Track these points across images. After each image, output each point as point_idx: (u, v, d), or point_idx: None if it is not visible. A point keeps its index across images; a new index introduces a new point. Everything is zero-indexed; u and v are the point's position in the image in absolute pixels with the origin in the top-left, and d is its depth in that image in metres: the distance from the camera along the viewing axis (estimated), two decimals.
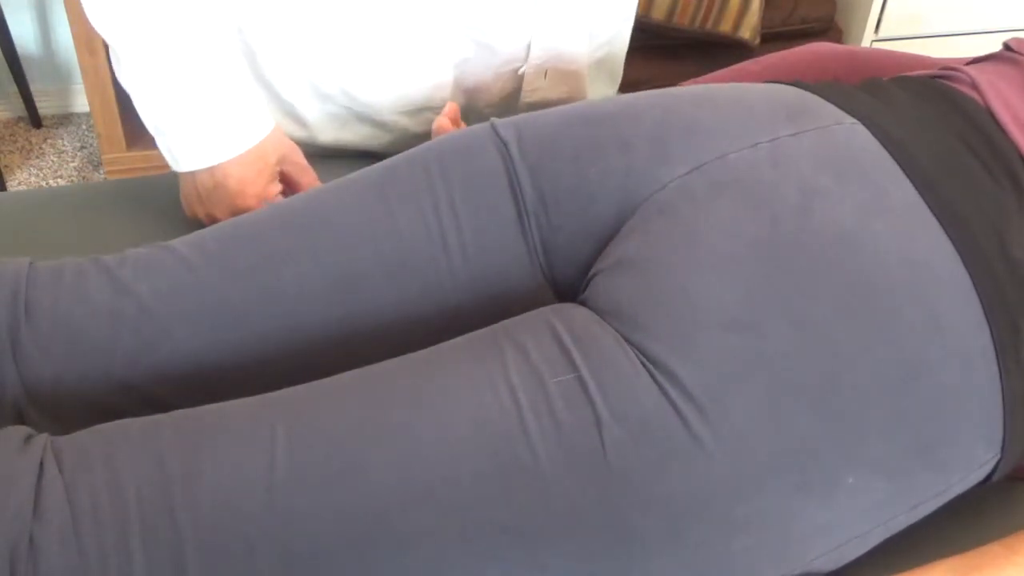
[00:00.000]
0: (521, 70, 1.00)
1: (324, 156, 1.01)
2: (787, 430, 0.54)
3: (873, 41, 2.18)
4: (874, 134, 0.64)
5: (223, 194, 0.84)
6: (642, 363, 0.55)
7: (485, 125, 0.72)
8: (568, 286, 0.68)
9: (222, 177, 0.83)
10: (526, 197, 0.68)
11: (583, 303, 0.62)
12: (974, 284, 0.58)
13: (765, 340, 0.55)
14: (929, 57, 0.91)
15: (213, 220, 0.85)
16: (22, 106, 2.28)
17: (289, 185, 0.91)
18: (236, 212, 0.84)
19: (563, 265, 0.68)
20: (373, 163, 0.74)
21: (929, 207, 0.60)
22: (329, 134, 1.03)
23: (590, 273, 0.64)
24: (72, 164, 2.22)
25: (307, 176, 0.91)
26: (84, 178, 2.19)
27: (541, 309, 0.61)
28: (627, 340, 0.56)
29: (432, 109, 1.00)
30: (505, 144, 0.69)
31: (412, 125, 1.02)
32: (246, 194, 0.84)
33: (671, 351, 0.55)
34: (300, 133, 1.03)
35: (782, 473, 0.55)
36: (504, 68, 1.00)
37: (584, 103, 0.72)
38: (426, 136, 0.94)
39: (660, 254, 0.60)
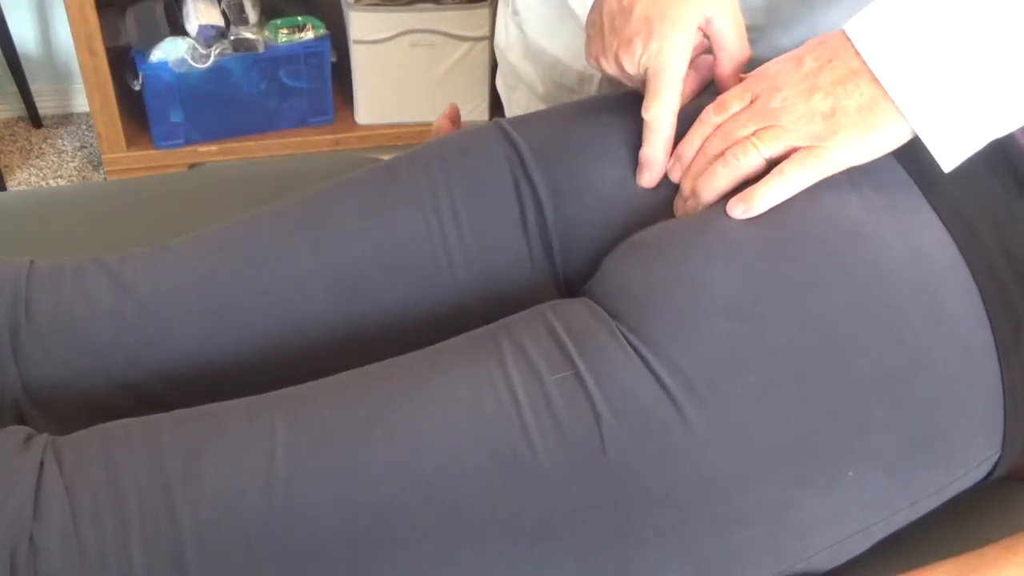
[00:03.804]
0: None
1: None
2: (786, 421, 0.54)
3: None
4: None
5: (628, 18, 0.65)
6: (639, 355, 0.55)
7: (489, 125, 0.72)
8: (581, 281, 0.68)
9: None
10: (540, 196, 0.68)
11: (587, 291, 0.62)
12: (975, 280, 0.58)
13: (767, 329, 0.55)
14: None
15: (619, 67, 0.67)
16: (22, 106, 2.28)
17: (702, 67, 0.69)
18: (659, 46, 0.64)
19: (580, 260, 0.68)
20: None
21: (930, 203, 0.60)
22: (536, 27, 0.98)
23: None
24: (72, 164, 2.22)
25: (733, 50, 0.66)
26: (84, 178, 2.19)
27: (539, 306, 0.61)
28: (626, 324, 0.57)
29: None
30: (516, 146, 0.69)
31: None
32: (663, 20, 0.64)
33: (672, 335, 0.55)
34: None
35: (781, 464, 0.55)
36: None
37: (593, 99, 0.72)
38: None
39: (669, 238, 0.60)
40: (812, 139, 0.58)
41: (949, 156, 0.57)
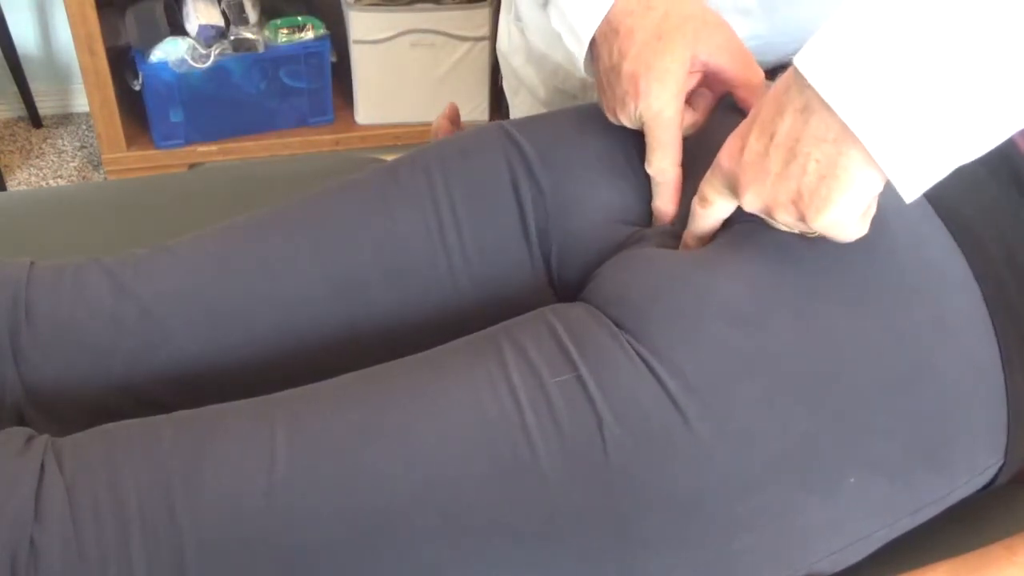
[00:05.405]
0: None
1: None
2: (789, 427, 0.54)
3: None
4: None
5: (618, 76, 0.66)
6: (641, 359, 0.55)
7: (492, 127, 0.72)
8: (574, 288, 0.68)
9: (618, 56, 0.65)
10: (547, 201, 0.68)
11: (584, 298, 0.62)
12: (981, 290, 0.58)
13: (770, 336, 0.55)
14: None
15: (620, 123, 0.68)
16: (22, 106, 2.28)
17: (715, 85, 0.68)
18: (647, 103, 0.64)
19: (574, 269, 0.68)
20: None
21: (937, 213, 0.60)
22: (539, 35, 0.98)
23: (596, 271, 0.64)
24: (72, 164, 2.22)
25: (739, 81, 0.66)
26: (84, 178, 2.19)
27: (540, 309, 0.61)
28: (627, 332, 0.56)
29: None
30: (520, 149, 0.69)
31: None
32: (648, 75, 0.64)
33: (673, 342, 0.55)
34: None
35: (783, 471, 0.55)
36: None
37: (597, 106, 0.72)
38: None
39: (667, 251, 0.60)
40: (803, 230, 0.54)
41: (911, 185, 0.49)
